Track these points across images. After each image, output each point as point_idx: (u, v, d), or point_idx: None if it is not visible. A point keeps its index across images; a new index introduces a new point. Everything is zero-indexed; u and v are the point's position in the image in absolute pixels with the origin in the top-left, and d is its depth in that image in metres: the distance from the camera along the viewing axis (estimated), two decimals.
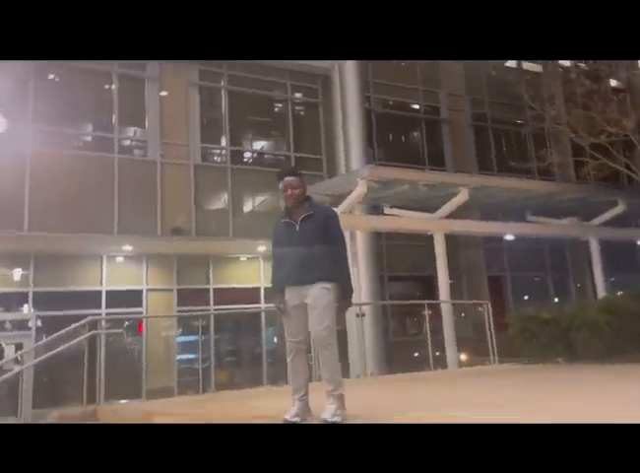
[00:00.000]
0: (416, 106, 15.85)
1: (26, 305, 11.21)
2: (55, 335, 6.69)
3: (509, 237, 13.76)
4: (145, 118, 12.38)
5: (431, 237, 11.16)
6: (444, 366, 9.10)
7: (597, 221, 12.76)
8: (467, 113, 16.42)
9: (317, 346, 3.66)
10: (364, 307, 8.73)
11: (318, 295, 3.62)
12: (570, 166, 16.02)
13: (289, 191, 3.76)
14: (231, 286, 12.79)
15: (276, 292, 3.81)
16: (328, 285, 3.66)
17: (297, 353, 3.73)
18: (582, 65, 17.55)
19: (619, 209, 12.23)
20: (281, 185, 3.79)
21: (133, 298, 11.80)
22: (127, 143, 12.63)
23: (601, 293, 12.09)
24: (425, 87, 15.83)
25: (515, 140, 16.98)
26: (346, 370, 11.48)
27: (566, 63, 18.31)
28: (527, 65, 17.83)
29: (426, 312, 8.27)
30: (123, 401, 8.29)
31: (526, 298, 15.38)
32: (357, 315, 7.90)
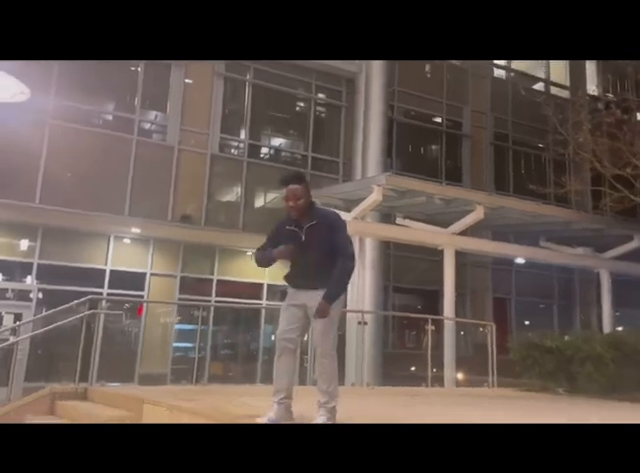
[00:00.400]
0: (439, 120, 15.74)
1: (29, 277, 11.21)
2: (55, 310, 6.65)
3: (520, 261, 13.61)
4: (167, 103, 12.36)
5: (440, 252, 11.04)
6: (441, 383, 8.96)
7: (610, 253, 12.59)
8: (489, 132, 16.29)
9: (318, 354, 3.54)
10: (367, 316, 8.61)
11: None
12: (588, 195, 15.86)
13: (292, 202, 3.55)
14: (235, 279, 12.73)
15: (268, 256, 3.67)
16: None
17: (285, 352, 3.61)
18: (610, 95, 17.44)
19: (634, 244, 12.06)
20: (284, 192, 3.61)
21: (136, 280, 11.77)
22: (147, 126, 12.62)
23: (607, 326, 11.90)
24: (450, 101, 15.72)
25: (534, 164, 16.84)
26: (341, 377, 11.39)
27: (594, 92, 18.18)
28: (554, 90, 17.69)
29: (429, 327, 8.14)
30: (115, 384, 8.22)
31: (529, 323, 15.22)
32: (359, 323, 7.79)
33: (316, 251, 3.55)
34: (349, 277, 3.59)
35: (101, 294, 10.86)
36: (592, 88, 17.72)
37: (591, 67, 18.64)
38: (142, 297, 11.76)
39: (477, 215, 10.04)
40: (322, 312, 3.46)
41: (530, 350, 7.92)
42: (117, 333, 12.03)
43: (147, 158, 11.80)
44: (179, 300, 12.05)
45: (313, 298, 3.53)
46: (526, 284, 15.32)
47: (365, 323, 7.94)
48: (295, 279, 3.67)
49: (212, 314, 12.16)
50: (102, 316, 7.63)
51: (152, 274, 12.03)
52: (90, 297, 6.66)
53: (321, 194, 11.68)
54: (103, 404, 5.56)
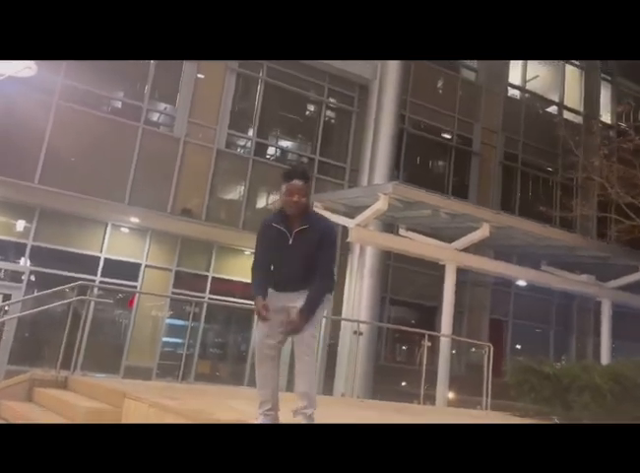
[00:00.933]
0: (449, 134, 15.57)
1: (22, 258, 10.98)
2: (43, 293, 6.44)
3: (521, 283, 13.38)
4: (177, 94, 12.18)
5: (441, 268, 10.83)
6: (432, 401, 8.73)
7: (614, 283, 12.38)
8: (499, 151, 16.13)
9: (298, 352, 3.27)
10: (362, 326, 8.39)
11: None
12: (593, 222, 15.71)
13: (296, 197, 3.32)
14: (230, 278, 12.50)
15: (258, 294, 3.36)
16: None
17: (267, 360, 3.36)
18: (622, 124, 17.33)
19: (639, 275, 11.86)
20: (286, 187, 3.35)
21: (130, 271, 11.54)
22: (155, 115, 12.44)
23: (604, 357, 11.69)
24: (461, 116, 15.57)
25: (542, 187, 16.68)
26: (330, 387, 11.15)
27: (608, 118, 18.06)
28: (568, 115, 17.56)
29: (425, 343, 7.92)
30: (99, 375, 8.01)
31: (525, 347, 14.99)
32: (355, 333, 7.57)
33: (302, 257, 3.34)
34: (324, 296, 3.40)
35: (94, 281, 10.64)
36: (606, 114, 17.62)
37: (605, 94, 18.54)
38: (135, 288, 11.53)
39: (482, 232, 9.84)
40: (295, 328, 3.25)
41: (527, 375, 7.70)
42: (106, 323, 11.79)
43: (152, 147, 11.62)
44: (173, 293, 11.82)
45: (293, 299, 3.34)
46: (524, 307, 15.10)
47: (361, 333, 7.72)
48: (277, 282, 3.43)
49: (204, 312, 11.94)
50: (92, 304, 7.42)
51: (147, 266, 11.80)
52: (80, 282, 6.44)
53: (325, 198, 11.50)
54: (83, 395, 5.34)
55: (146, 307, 12.03)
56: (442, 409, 8.14)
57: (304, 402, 3.23)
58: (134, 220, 11.52)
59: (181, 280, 12.07)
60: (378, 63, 13.59)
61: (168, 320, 12.19)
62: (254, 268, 3.50)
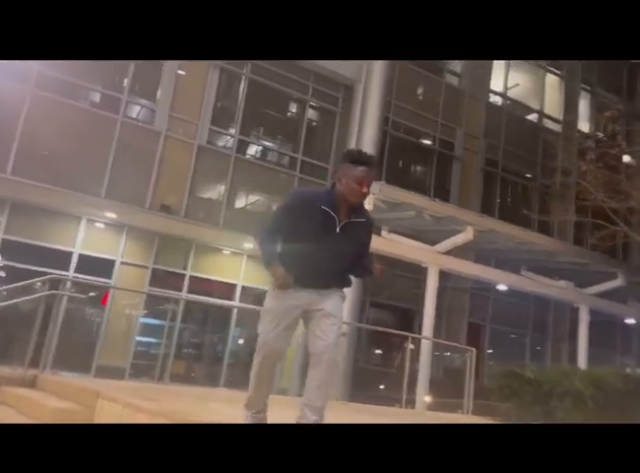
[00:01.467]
0: (432, 138, 15.57)
1: None
2: (12, 286, 6.13)
3: (501, 287, 13.42)
4: (158, 87, 11.89)
5: (419, 271, 10.78)
6: (412, 405, 8.62)
7: (592, 289, 12.50)
8: (480, 156, 16.18)
9: (323, 362, 2.86)
10: (346, 327, 8.24)
11: (337, 302, 3.04)
12: (571, 228, 15.87)
13: (366, 188, 2.86)
14: (208, 277, 12.24)
15: (275, 263, 2.89)
16: (342, 293, 3.12)
17: (271, 364, 3.06)
18: (600, 134, 17.62)
19: (617, 282, 11.99)
20: (354, 172, 2.85)
21: (104, 267, 11.19)
22: (136, 109, 12.10)
23: (582, 363, 11.77)
24: (445, 120, 15.58)
25: (522, 193, 16.81)
26: None
27: (585, 129, 18.33)
28: (547, 123, 17.75)
29: (408, 346, 7.80)
30: (69, 374, 7.68)
31: (501, 352, 15.04)
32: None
33: (347, 251, 2.98)
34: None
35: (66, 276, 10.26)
36: (585, 123, 17.88)
37: (585, 104, 18.81)
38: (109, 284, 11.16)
39: (466, 235, 9.81)
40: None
41: (508, 379, 7.65)
42: (78, 320, 11.40)
43: (131, 141, 11.31)
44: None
45: (322, 298, 2.97)
46: (502, 312, 15.16)
47: (344, 334, 7.57)
48: (303, 274, 2.93)
49: (180, 311, 11.65)
50: (64, 299, 7.11)
51: (122, 263, 11.46)
52: (50, 276, 6.15)
53: None
54: (53, 394, 5.07)
55: (120, 306, 11.69)
56: (422, 413, 8.04)
57: (316, 416, 2.86)
58: (110, 215, 11.18)
59: (158, 278, 11.75)
60: (364, 64, 13.50)
61: (143, 319, 11.87)
62: (268, 234, 2.98)
